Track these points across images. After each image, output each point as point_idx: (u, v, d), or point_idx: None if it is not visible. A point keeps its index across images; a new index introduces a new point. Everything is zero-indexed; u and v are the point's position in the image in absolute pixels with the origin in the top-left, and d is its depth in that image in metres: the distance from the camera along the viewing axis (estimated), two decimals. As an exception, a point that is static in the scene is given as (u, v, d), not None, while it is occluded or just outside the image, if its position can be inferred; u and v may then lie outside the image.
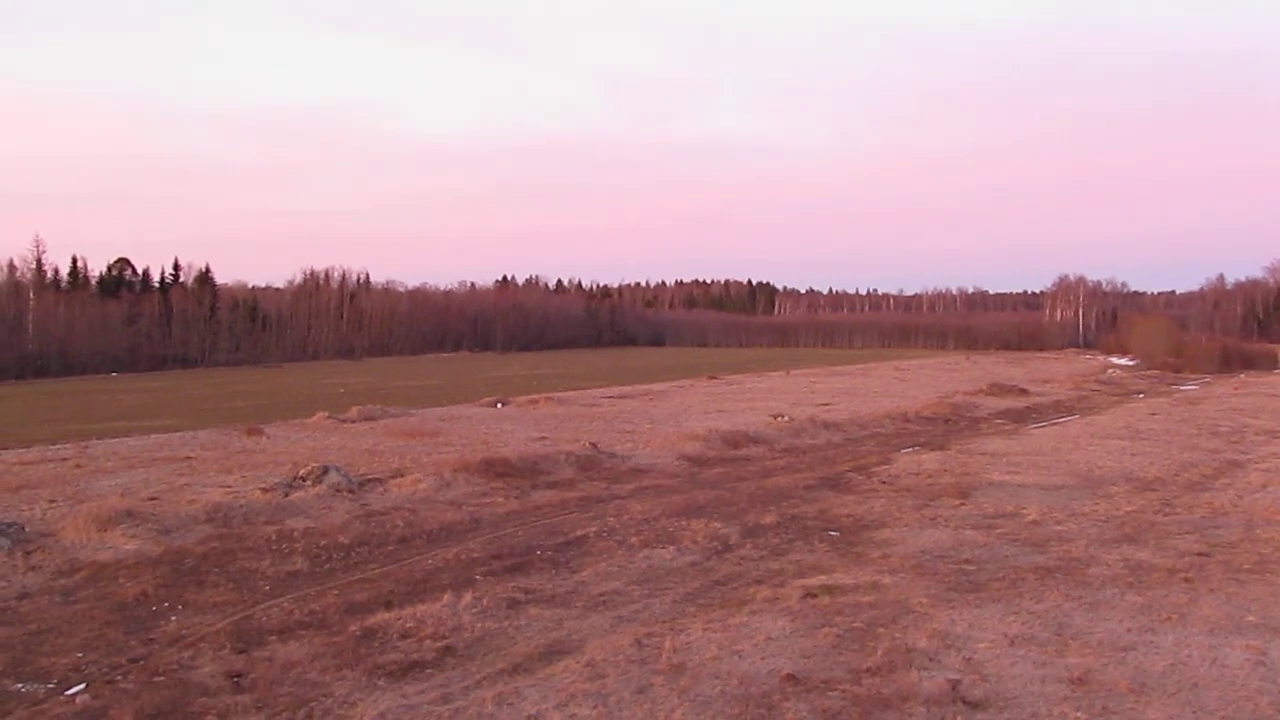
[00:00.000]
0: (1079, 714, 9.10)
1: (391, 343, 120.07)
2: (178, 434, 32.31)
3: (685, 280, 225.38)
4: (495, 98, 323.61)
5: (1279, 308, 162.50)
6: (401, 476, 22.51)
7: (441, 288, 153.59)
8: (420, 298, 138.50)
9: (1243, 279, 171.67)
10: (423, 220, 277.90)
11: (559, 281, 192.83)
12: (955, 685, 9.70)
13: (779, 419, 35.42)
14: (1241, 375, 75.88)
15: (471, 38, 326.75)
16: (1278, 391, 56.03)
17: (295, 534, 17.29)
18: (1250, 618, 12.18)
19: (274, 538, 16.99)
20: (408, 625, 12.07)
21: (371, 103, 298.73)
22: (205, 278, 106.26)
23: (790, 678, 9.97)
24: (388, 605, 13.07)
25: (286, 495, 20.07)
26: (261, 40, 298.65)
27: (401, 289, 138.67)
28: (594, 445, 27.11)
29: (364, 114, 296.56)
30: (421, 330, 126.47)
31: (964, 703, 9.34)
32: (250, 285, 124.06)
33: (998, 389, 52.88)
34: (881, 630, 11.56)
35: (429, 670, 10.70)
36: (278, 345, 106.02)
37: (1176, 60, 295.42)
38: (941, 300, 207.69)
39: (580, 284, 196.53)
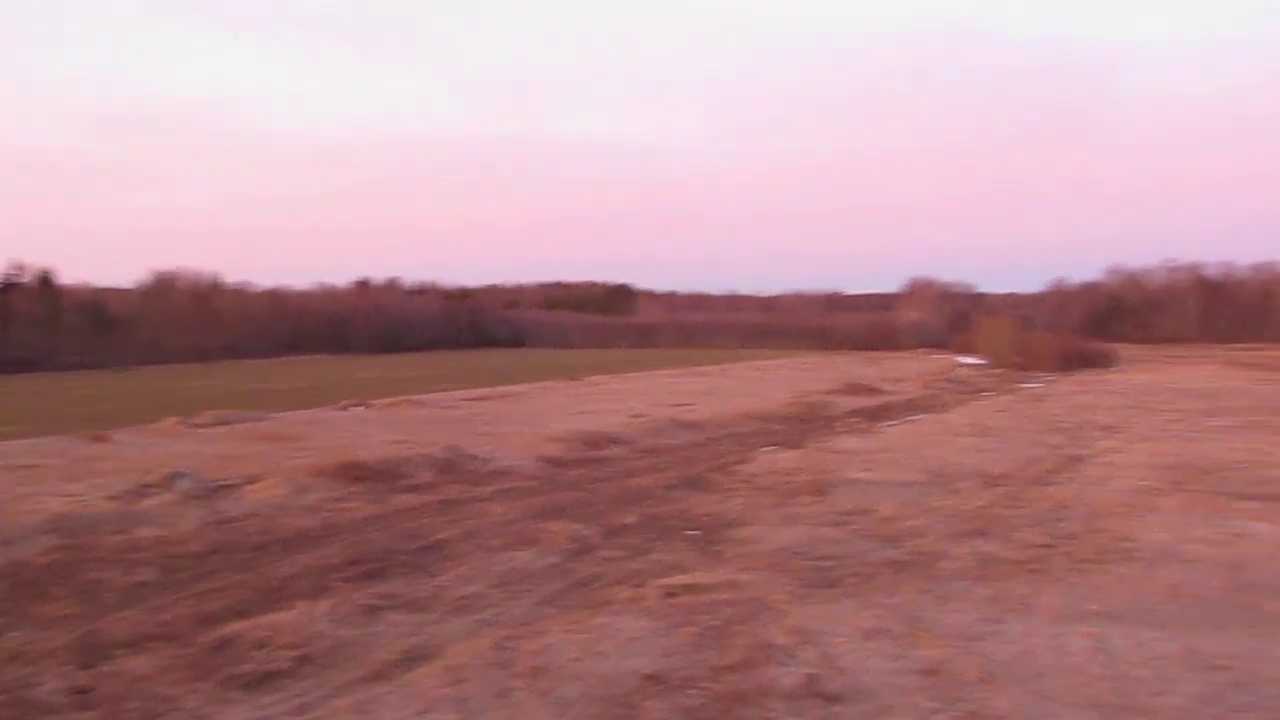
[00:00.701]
0: (931, 704, 9.34)
1: (246, 345, 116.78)
2: (17, 441, 30.96)
3: (546, 281, 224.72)
4: (354, 95, 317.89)
5: (1117, 308, 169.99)
6: (256, 482, 21.94)
7: (298, 289, 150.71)
8: (276, 299, 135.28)
9: (1083, 281, 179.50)
10: (279, 220, 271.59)
11: (418, 283, 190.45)
12: (812, 680, 9.87)
13: (640, 419, 35.59)
14: (1082, 373, 78.81)
15: (330, 34, 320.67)
16: (1116, 389, 58.35)
17: (144, 543, 16.74)
18: (1091, 606, 12.66)
19: (122, 547, 16.42)
20: (262, 635, 11.75)
21: (228, 99, 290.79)
22: (46, 278, 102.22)
23: (651, 677, 10.02)
24: (241, 614, 12.73)
25: (135, 503, 19.42)
26: (111, 33, 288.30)
27: (257, 290, 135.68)
28: (454, 448, 26.86)
29: (220, 110, 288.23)
30: (278, 332, 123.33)
31: (821, 696, 9.50)
32: (97, 286, 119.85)
33: (853, 388, 53.97)
34: (740, 628, 11.69)
35: (285, 680, 10.45)
36: (127, 348, 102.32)
37: (1022, 76, 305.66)
38: (799, 301, 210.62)
39: (440, 285, 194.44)
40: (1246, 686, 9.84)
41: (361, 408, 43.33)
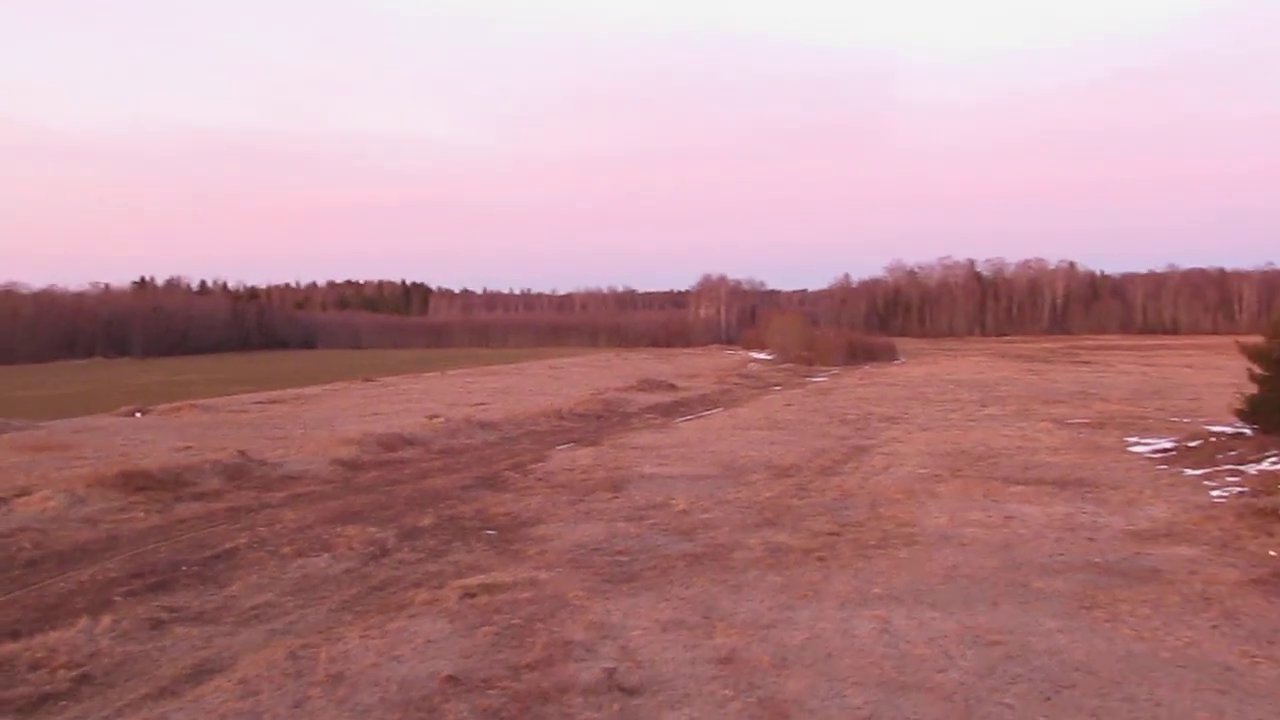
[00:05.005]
0: (727, 691, 9.58)
1: (14, 349, 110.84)
2: None
3: (337, 280, 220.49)
4: (130, 87, 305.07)
5: (897, 304, 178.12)
6: (28, 495, 20.76)
7: (72, 289, 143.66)
8: (47, 300, 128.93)
9: (866, 278, 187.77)
10: (52, 219, 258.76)
11: (203, 282, 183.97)
12: (611, 674, 9.99)
13: (435, 420, 35.23)
14: (866, 367, 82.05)
15: (109, 29, 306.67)
16: (897, 381, 60.94)
17: (-98, 563, 15.69)
18: (876, 590, 13.20)
19: (-124, 568, 15.35)
20: (38, 655, 11.15)
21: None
22: None
23: (451, 679, 9.97)
24: (14, 635, 12.04)
25: (-109, 521, 18.17)
26: None
27: (25, 291, 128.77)
28: (243, 453, 26.03)
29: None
30: (49, 335, 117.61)
31: (620, 690, 9.63)
32: None
33: (647, 384, 54.68)
34: (539, 625, 11.75)
35: (63, 702, 9.94)
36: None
37: (805, 81, 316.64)
38: (593, 299, 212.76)
39: (226, 285, 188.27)
40: (1019, 658, 10.45)
41: (142, 413, 41.57)
